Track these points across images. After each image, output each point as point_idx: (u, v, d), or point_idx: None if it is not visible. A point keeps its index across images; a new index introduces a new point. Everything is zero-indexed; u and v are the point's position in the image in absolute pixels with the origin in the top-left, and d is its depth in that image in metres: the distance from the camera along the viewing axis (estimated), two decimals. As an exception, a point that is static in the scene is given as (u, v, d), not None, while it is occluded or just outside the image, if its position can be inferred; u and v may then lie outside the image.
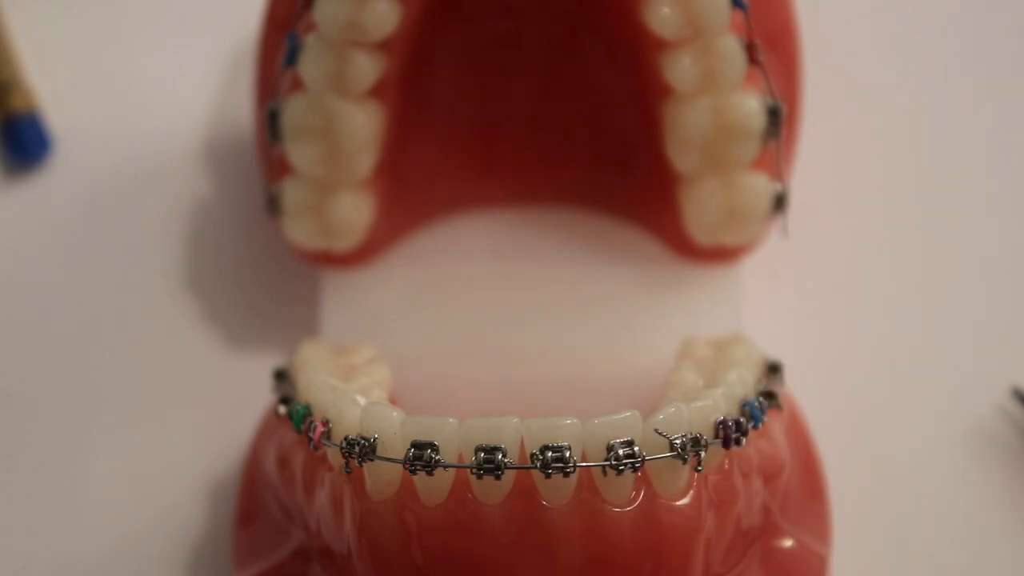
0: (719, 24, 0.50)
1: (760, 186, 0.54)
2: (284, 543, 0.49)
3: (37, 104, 0.65)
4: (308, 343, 0.53)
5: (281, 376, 0.51)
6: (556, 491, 0.42)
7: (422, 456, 0.42)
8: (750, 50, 0.51)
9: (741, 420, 0.44)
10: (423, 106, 0.57)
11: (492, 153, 0.59)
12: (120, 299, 0.60)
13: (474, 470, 0.41)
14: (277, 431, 0.50)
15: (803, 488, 0.50)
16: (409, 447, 0.42)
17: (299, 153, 0.53)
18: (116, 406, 0.57)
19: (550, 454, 0.41)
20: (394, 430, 0.43)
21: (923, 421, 0.55)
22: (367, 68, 0.51)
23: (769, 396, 0.48)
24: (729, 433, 0.44)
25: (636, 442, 0.42)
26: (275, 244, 0.59)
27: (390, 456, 0.42)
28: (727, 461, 0.45)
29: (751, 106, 0.52)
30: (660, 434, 0.42)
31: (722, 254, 0.57)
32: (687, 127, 0.53)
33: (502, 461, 0.41)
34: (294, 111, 0.52)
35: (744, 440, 0.45)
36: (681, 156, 0.54)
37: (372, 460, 0.42)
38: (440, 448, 0.42)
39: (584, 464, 0.42)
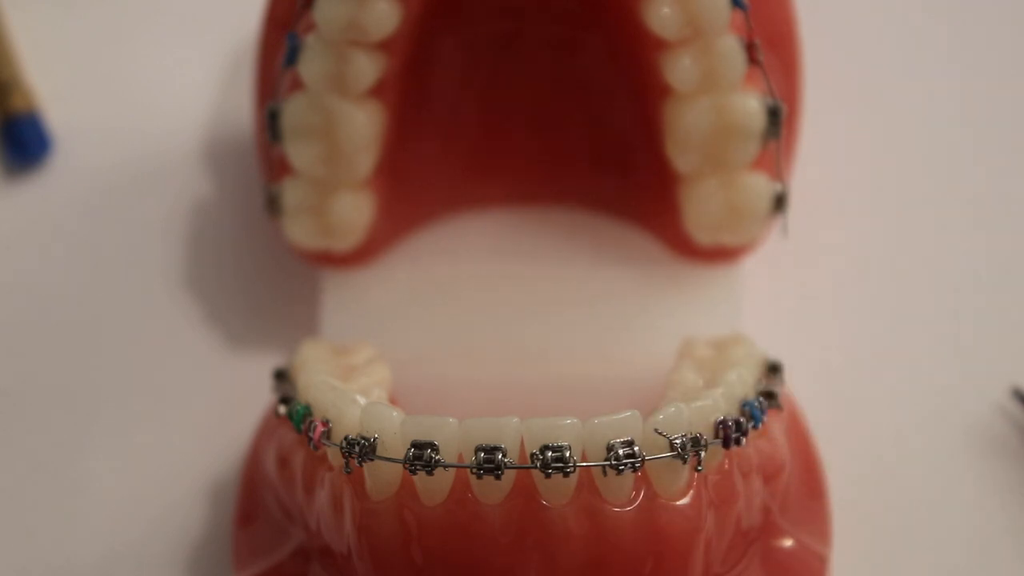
0: (719, 24, 0.50)
1: (760, 186, 0.54)
2: (284, 543, 0.49)
3: (37, 104, 0.65)
4: (308, 343, 0.53)
5: (281, 376, 0.51)
6: (556, 491, 0.42)
7: (422, 456, 0.42)
8: (750, 50, 0.51)
9: (741, 420, 0.44)
10: (423, 106, 0.57)
11: (492, 153, 0.59)
12: (120, 299, 0.60)
13: (474, 470, 0.41)
14: (277, 431, 0.50)
15: (803, 488, 0.50)
16: (409, 447, 0.42)
17: (299, 153, 0.53)
18: (116, 406, 0.57)
19: (550, 454, 0.41)
20: (394, 430, 0.43)
21: (923, 421, 0.55)
22: (367, 68, 0.51)
23: (769, 396, 0.48)
24: (729, 433, 0.44)
25: (636, 442, 0.42)
26: (275, 244, 0.59)
27: (390, 456, 0.42)
28: (727, 461, 0.45)
29: (751, 106, 0.52)
30: (660, 434, 0.42)
31: (722, 254, 0.57)
32: (687, 127, 0.53)
33: (502, 461, 0.41)
34: (294, 111, 0.52)
35: (744, 440, 0.45)
36: (681, 156, 0.54)
37: (372, 460, 0.42)
38: (440, 448, 0.42)
39: (584, 464, 0.42)
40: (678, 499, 0.43)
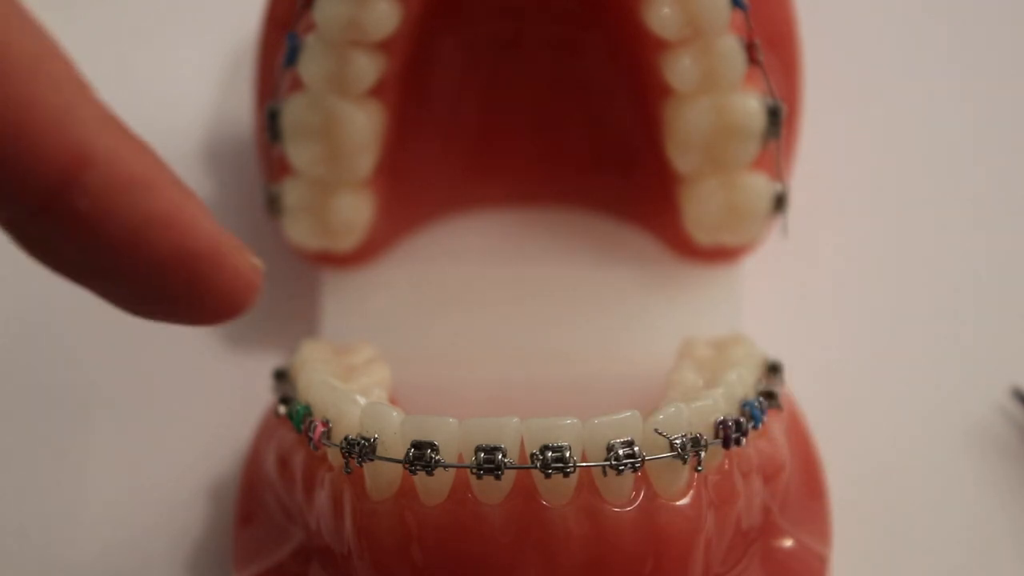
0: (719, 24, 0.50)
1: (760, 186, 0.54)
2: (284, 543, 0.49)
3: (37, 104, 0.65)
4: (308, 343, 0.53)
5: (281, 376, 0.51)
6: (556, 491, 0.42)
7: (422, 456, 0.42)
8: (750, 50, 0.51)
9: (741, 420, 0.44)
10: (423, 106, 0.57)
11: (492, 153, 0.59)
12: (120, 299, 0.60)
13: (474, 470, 0.41)
14: (277, 431, 0.50)
15: (803, 488, 0.50)
16: (409, 447, 0.42)
17: (299, 153, 0.53)
18: (116, 406, 0.57)
19: (550, 454, 0.41)
20: (394, 430, 0.43)
21: (923, 421, 0.55)
22: (367, 68, 0.51)
23: (769, 396, 0.48)
24: (729, 433, 0.44)
25: (636, 442, 0.42)
26: (275, 244, 0.59)
27: (390, 456, 0.42)
28: (727, 461, 0.45)
29: (751, 106, 0.52)
30: (660, 434, 0.42)
31: (722, 254, 0.57)
32: (687, 127, 0.53)
33: (502, 461, 0.41)
34: (294, 111, 0.52)
35: (744, 440, 0.45)
36: (681, 156, 0.54)
37: (372, 460, 0.43)
38: (440, 448, 0.42)
39: (584, 464, 0.42)
40: (678, 499, 0.43)
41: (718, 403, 0.45)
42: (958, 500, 0.53)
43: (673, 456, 0.42)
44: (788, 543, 0.48)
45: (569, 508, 0.42)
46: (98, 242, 0.32)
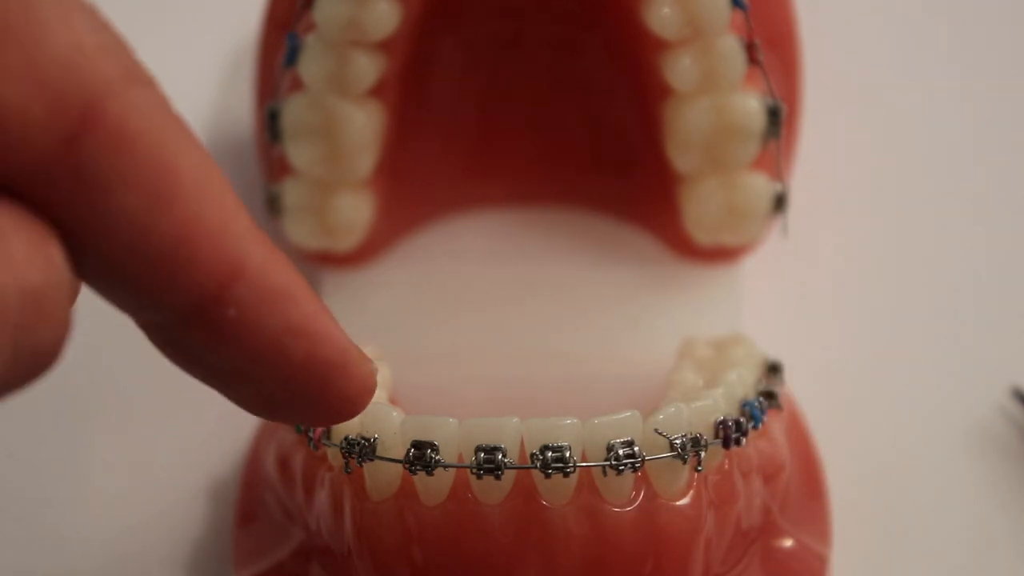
0: (719, 24, 0.50)
1: (760, 186, 0.54)
2: (284, 543, 0.49)
3: (37, 104, 0.65)
4: (308, 343, 0.53)
5: (281, 376, 0.51)
6: (556, 491, 0.42)
7: (422, 456, 0.42)
8: (750, 50, 0.51)
9: (741, 420, 0.44)
10: (423, 106, 0.57)
11: (492, 153, 0.59)
12: (120, 299, 0.60)
13: (474, 470, 0.41)
14: (277, 431, 0.50)
15: (803, 488, 0.50)
16: (409, 447, 0.42)
17: (299, 153, 0.53)
18: (116, 406, 0.57)
19: (550, 454, 0.41)
20: (394, 430, 0.43)
21: (923, 421, 0.55)
22: (367, 68, 0.51)
23: (769, 396, 0.48)
24: (729, 433, 0.44)
25: (636, 442, 0.42)
26: (275, 244, 0.59)
27: (390, 456, 0.42)
28: (727, 461, 0.45)
29: (751, 106, 0.52)
30: (660, 434, 0.42)
31: (722, 254, 0.57)
32: (687, 127, 0.53)
33: (502, 461, 0.41)
34: (294, 111, 0.52)
35: (744, 440, 0.45)
36: (681, 156, 0.54)
37: (372, 460, 0.42)
38: (440, 448, 0.42)
39: (584, 464, 0.42)
40: (678, 499, 0.43)
41: (718, 403, 0.45)
42: (958, 500, 0.53)
43: (673, 456, 0.42)
44: (788, 543, 0.48)
45: (569, 508, 0.42)
46: (241, 350, 0.34)
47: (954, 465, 0.54)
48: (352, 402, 0.36)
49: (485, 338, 0.56)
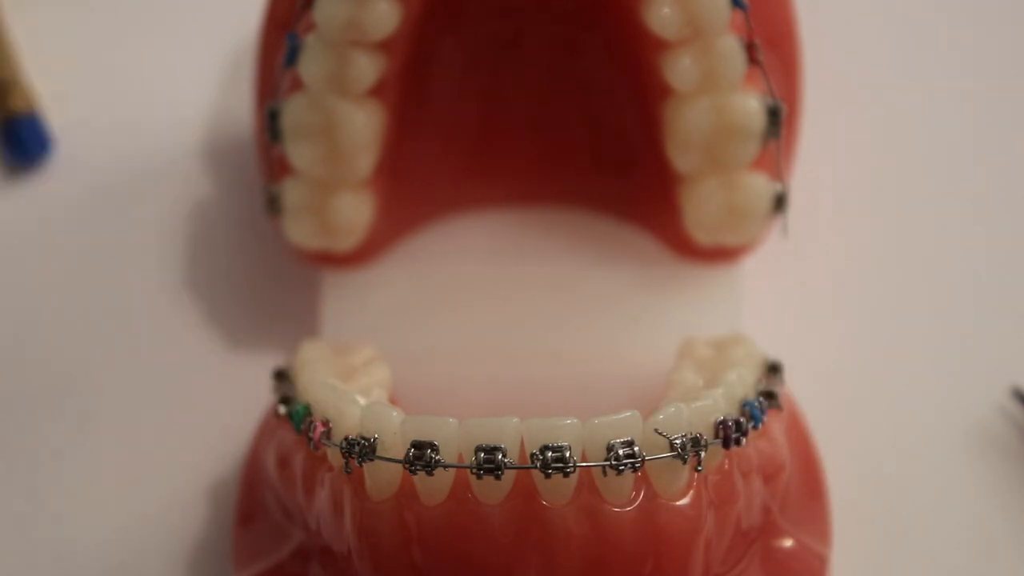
0: (719, 24, 0.50)
1: (760, 186, 0.54)
2: (284, 543, 0.49)
3: (37, 104, 0.65)
4: (308, 343, 0.53)
5: (281, 376, 0.51)
6: (556, 491, 0.42)
7: (422, 456, 0.42)
8: (750, 50, 0.51)
9: (741, 420, 0.44)
10: (423, 106, 0.57)
11: (492, 153, 0.59)
12: (120, 299, 0.60)
13: (474, 470, 0.41)
14: (277, 431, 0.50)
15: (803, 488, 0.50)
16: (409, 447, 0.42)
17: (299, 153, 0.53)
18: (116, 406, 0.57)
19: (550, 454, 0.41)
20: (394, 430, 0.43)
21: (923, 421, 0.55)
22: (367, 68, 0.51)
23: (769, 396, 0.48)
24: (729, 433, 0.44)
25: (636, 442, 0.42)
26: (275, 244, 0.59)
27: (390, 456, 0.42)
28: (727, 461, 0.45)
29: (751, 106, 0.52)
30: (660, 434, 0.42)
31: (722, 254, 0.57)
32: (687, 127, 0.53)
33: (502, 461, 0.41)
34: (294, 111, 0.52)
35: (744, 440, 0.45)
36: (681, 156, 0.54)
37: (372, 460, 0.42)
38: (440, 448, 0.42)
39: (584, 464, 0.42)
40: (678, 499, 0.43)
41: (718, 403, 0.45)
42: (958, 500, 0.53)
43: (673, 456, 0.42)
44: (788, 543, 0.48)
45: (569, 508, 0.42)
46: None
47: (954, 465, 0.54)
48: None
49: (485, 338, 0.56)
